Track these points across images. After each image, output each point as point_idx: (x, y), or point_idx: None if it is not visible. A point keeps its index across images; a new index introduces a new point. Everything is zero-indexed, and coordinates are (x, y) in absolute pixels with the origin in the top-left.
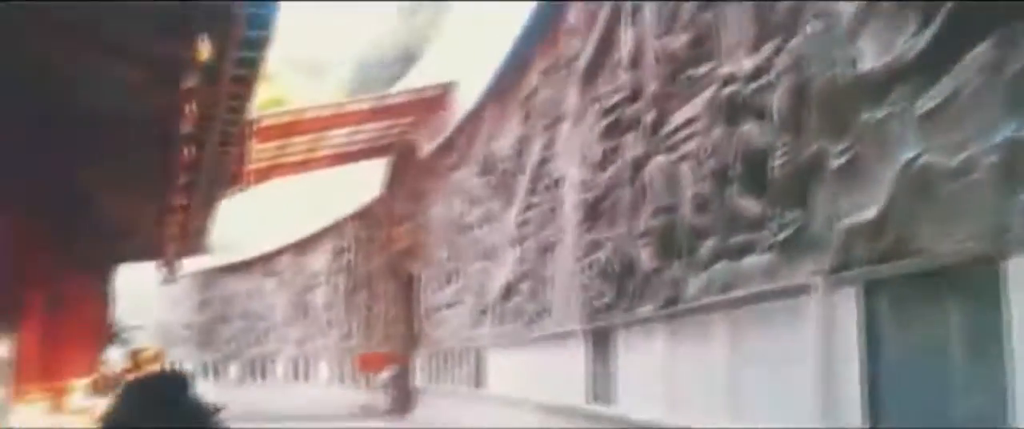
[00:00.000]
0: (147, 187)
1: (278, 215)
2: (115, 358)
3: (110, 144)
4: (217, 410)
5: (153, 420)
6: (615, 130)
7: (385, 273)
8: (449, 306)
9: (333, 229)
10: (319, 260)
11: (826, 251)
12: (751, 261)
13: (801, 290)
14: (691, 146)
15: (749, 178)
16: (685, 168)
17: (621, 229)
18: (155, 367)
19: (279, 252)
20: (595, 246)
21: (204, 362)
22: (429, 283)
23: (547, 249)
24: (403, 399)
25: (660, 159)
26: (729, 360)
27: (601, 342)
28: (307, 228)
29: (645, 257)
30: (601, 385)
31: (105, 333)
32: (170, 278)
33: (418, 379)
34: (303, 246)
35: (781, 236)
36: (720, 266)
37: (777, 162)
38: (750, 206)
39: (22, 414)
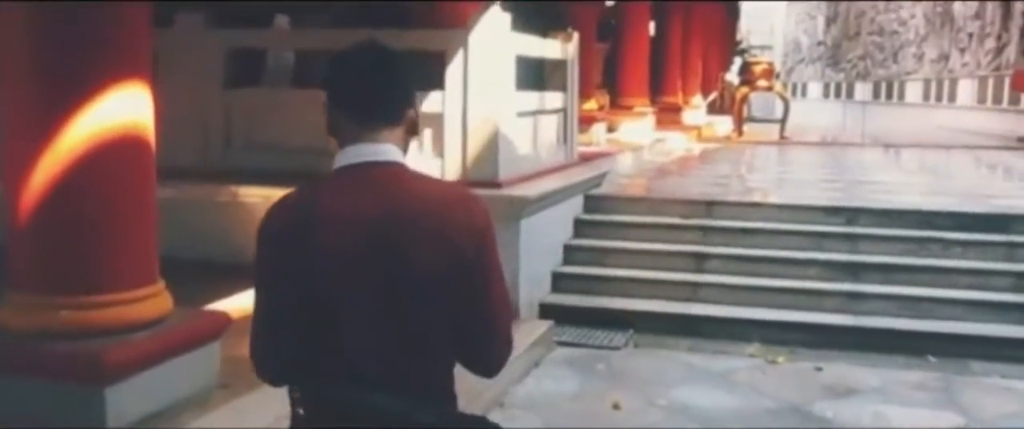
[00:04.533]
0: None
1: None
2: (733, 76)
3: None
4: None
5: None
6: None
7: None
8: None
9: None
10: None
11: None
12: None
13: None
14: None
15: None
16: None
17: None
18: (766, 82)
19: None
20: None
21: (828, 82)
22: None
23: None
24: None
25: None
26: None
27: None
28: None
29: None
30: None
31: (730, 51)
32: None
33: None
34: None
35: None
36: None
37: None
38: None
39: (627, 127)
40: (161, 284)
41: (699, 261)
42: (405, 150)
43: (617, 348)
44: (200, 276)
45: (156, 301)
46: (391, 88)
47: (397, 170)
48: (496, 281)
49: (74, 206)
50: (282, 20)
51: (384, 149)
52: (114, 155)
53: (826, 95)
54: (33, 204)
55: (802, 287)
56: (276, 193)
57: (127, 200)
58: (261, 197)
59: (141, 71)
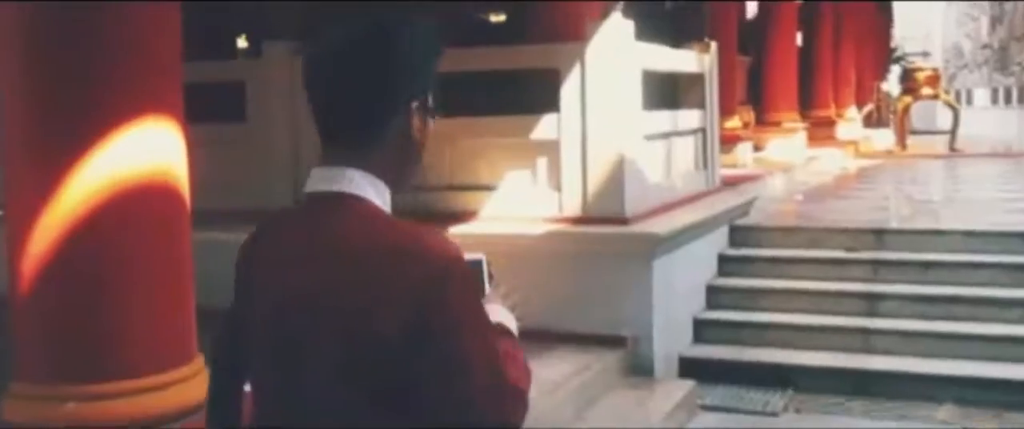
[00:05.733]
0: None
1: None
2: (889, 85)
3: None
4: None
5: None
6: None
7: None
8: None
9: None
10: None
11: None
12: None
13: None
14: None
15: None
16: None
17: None
18: (931, 89)
19: None
20: None
21: (995, 87)
22: None
23: None
24: None
25: None
26: None
27: None
28: None
29: None
30: None
31: (884, 60)
32: None
33: None
34: None
35: None
36: None
37: None
38: None
39: (776, 145)
40: (198, 362)
41: (871, 302)
42: (396, 170)
43: (775, 414)
44: None
45: (190, 384)
46: (358, 93)
47: (344, 205)
48: (467, 359)
49: (83, 273)
50: None
51: (338, 175)
52: (135, 208)
53: (994, 101)
54: (35, 272)
55: (1003, 333)
56: None
57: (152, 263)
58: None
59: (169, 106)
